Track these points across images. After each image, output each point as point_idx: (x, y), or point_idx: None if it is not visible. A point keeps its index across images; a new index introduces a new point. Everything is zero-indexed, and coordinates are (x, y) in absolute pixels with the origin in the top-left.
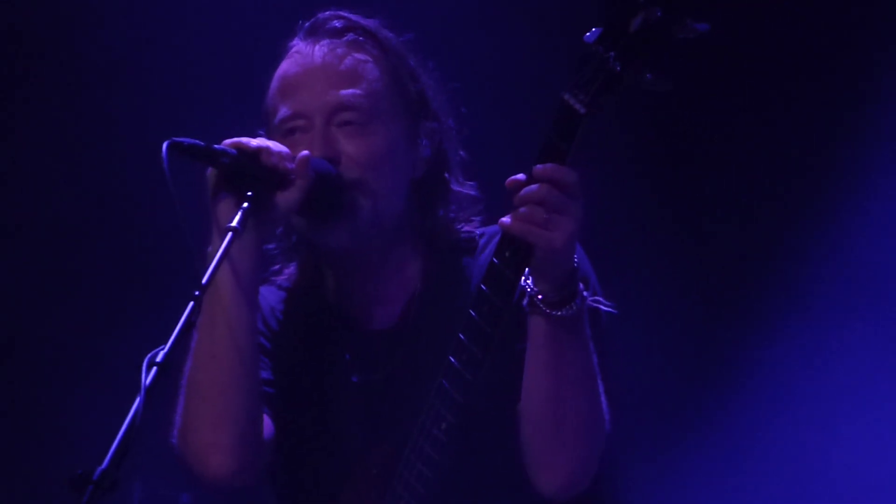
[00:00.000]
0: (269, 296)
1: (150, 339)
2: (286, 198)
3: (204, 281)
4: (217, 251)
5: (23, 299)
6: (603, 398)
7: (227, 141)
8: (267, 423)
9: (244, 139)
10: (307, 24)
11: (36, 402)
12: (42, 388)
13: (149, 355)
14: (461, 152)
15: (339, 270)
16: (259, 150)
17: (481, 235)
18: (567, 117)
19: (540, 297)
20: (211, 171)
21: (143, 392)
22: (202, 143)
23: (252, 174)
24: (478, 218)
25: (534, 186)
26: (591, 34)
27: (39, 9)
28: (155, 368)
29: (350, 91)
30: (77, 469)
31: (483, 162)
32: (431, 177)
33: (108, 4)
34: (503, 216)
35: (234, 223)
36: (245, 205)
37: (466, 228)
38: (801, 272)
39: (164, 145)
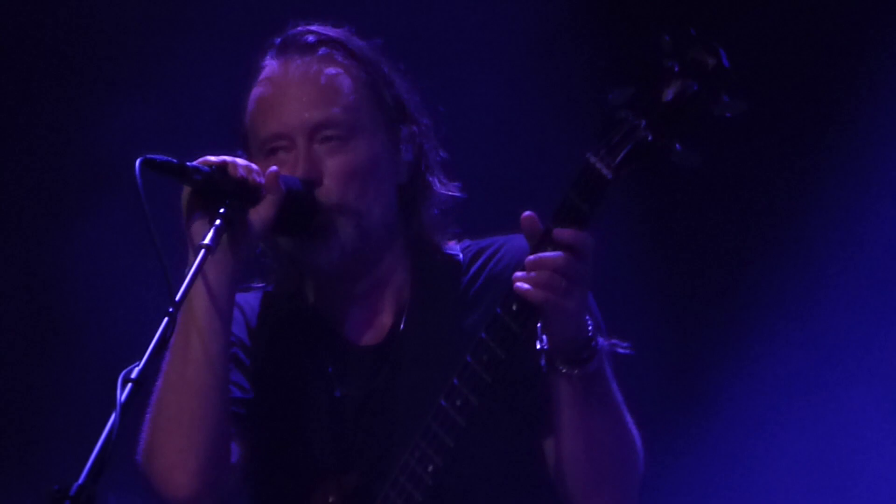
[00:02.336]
0: (251, 300)
1: (125, 356)
2: (259, 213)
3: (178, 297)
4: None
5: None
6: (634, 433)
7: (198, 160)
8: (234, 447)
9: (209, 157)
10: (277, 42)
11: (10, 417)
12: (16, 404)
13: (123, 372)
14: (441, 153)
15: (324, 282)
16: (225, 164)
17: (466, 249)
18: (592, 180)
19: (558, 357)
20: (185, 190)
21: (118, 408)
22: (175, 160)
23: (224, 191)
24: (458, 231)
25: (553, 253)
26: (617, 95)
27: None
28: (130, 385)
29: (329, 108)
30: (53, 485)
31: (470, 161)
32: (415, 180)
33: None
34: (484, 219)
35: (206, 240)
36: (217, 222)
37: (451, 244)
38: (797, 273)
39: (137, 162)
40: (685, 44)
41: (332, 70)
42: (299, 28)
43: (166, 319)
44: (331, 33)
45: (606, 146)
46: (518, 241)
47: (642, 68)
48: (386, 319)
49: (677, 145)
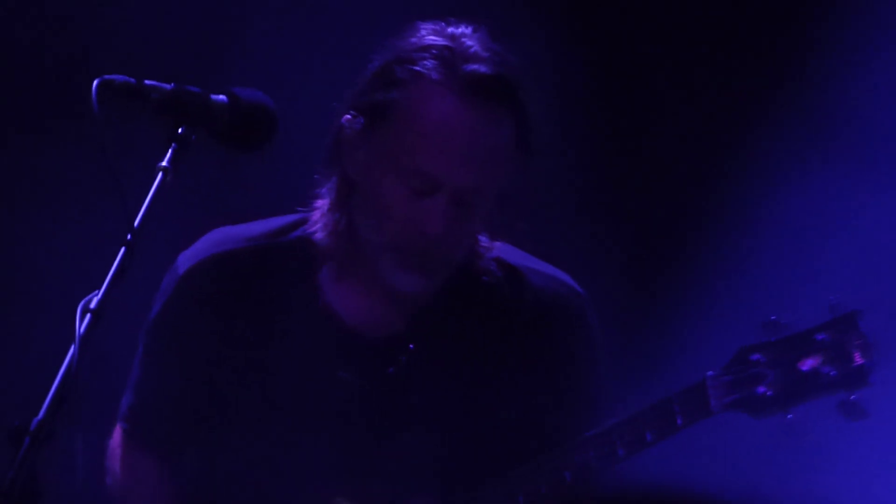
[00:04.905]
0: (271, 251)
1: (83, 285)
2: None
3: (136, 224)
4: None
5: None
6: None
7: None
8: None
9: None
10: (467, 73)
11: None
12: None
13: (82, 302)
14: None
15: (348, 267)
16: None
17: (502, 264)
18: (697, 402)
19: None
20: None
21: (77, 340)
22: (134, 80)
23: (182, 110)
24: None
25: None
26: (767, 328)
27: None
28: (89, 315)
29: (484, 177)
30: (13, 421)
31: None
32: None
33: None
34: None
35: (164, 162)
36: (174, 144)
37: (486, 249)
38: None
39: (95, 83)
40: (847, 327)
41: (502, 131)
42: (489, 66)
43: (124, 248)
44: (509, 74)
45: (727, 380)
46: (559, 287)
47: (796, 330)
48: (403, 312)
49: (790, 415)
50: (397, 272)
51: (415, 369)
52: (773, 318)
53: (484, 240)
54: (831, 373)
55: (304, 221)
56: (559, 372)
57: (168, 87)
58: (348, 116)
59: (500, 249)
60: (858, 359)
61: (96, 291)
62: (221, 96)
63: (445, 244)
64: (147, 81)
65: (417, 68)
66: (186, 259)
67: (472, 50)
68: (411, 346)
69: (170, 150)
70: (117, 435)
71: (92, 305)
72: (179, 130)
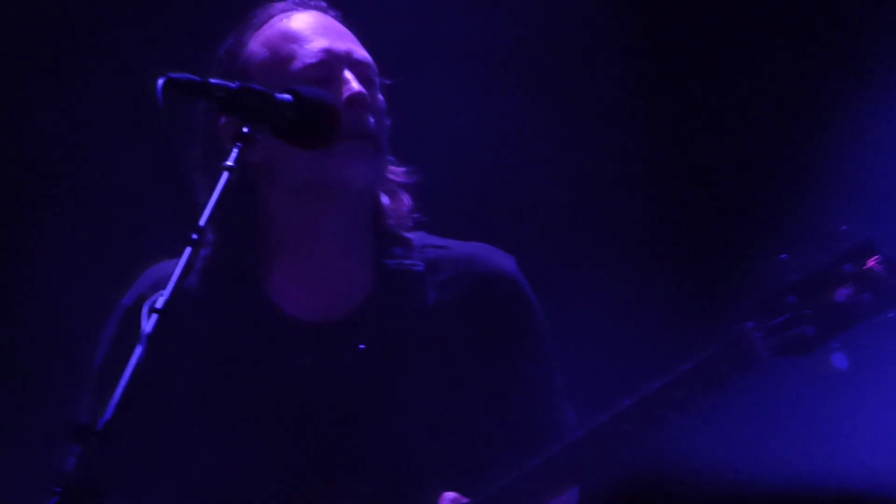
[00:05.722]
0: (192, 285)
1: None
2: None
3: (201, 223)
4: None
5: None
6: None
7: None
8: None
9: None
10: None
11: (31, 354)
12: (36, 337)
13: (148, 301)
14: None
15: (297, 254)
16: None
17: (426, 248)
18: (746, 354)
19: None
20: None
21: (143, 340)
22: (198, 78)
23: (248, 108)
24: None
25: None
26: (786, 270)
27: None
28: (155, 315)
29: (358, 47)
30: (73, 419)
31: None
32: None
33: None
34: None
35: (229, 161)
36: (239, 143)
37: (410, 236)
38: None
39: (160, 81)
40: (868, 252)
41: (344, 26)
42: None
43: (189, 248)
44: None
45: (769, 327)
46: (489, 252)
47: (818, 261)
48: (346, 303)
49: (837, 345)
50: (345, 167)
51: (372, 354)
52: (783, 256)
53: (411, 234)
54: (868, 298)
55: None
56: (512, 330)
57: (234, 85)
58: (223, 120)
59: (422, 238)
60: (889, 278)
61: (162, 291)
62: (286, 94)
63: (374, 112)
64: (212, 80)
65: (255, 18)
66: (128, 297)
67: None
68: (361, 345)
69: (235, 150)
70: None
71: (158, 305)
72: (245, 129)
